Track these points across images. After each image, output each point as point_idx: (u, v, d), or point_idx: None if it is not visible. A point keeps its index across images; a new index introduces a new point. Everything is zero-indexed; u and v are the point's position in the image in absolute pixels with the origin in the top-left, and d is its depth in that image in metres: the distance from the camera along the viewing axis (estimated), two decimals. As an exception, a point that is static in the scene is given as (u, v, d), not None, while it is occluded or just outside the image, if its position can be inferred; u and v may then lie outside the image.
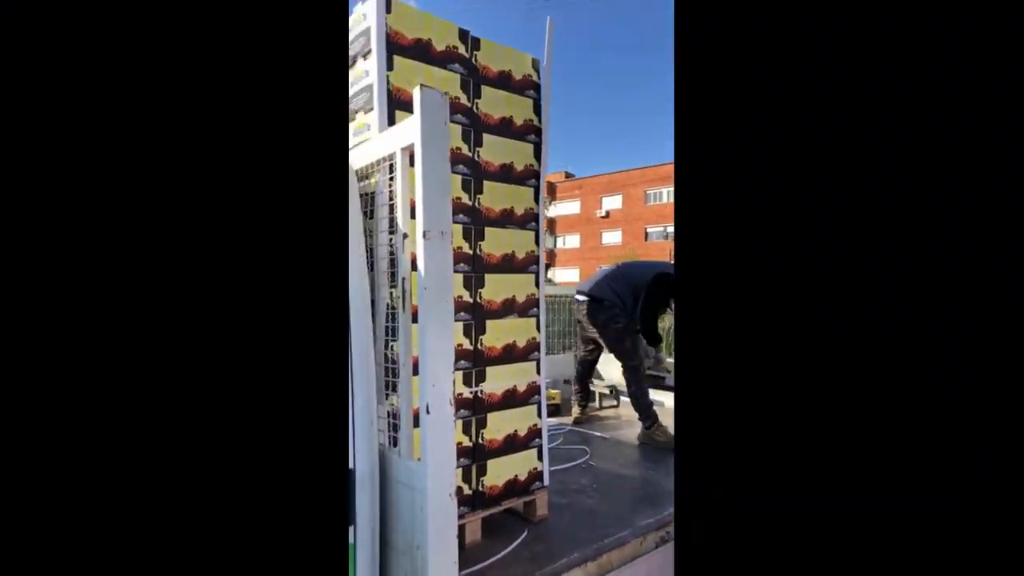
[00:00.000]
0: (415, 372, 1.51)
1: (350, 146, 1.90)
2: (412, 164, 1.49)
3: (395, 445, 1.58)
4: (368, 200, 1.68)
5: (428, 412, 1.38)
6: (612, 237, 33.48)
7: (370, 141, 1.72)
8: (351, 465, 1.43)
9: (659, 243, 29.23)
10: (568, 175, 37.26)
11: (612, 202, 33.82)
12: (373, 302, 1.60)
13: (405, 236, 1.51)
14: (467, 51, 2.01)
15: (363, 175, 1.69)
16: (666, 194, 30.09)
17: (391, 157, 1.57)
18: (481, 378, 2.03)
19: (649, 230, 31.78)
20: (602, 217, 34.15)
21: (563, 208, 35.91)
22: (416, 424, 1.49)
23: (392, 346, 1.65)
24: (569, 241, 35.86)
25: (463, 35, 2.00)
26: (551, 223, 34.82)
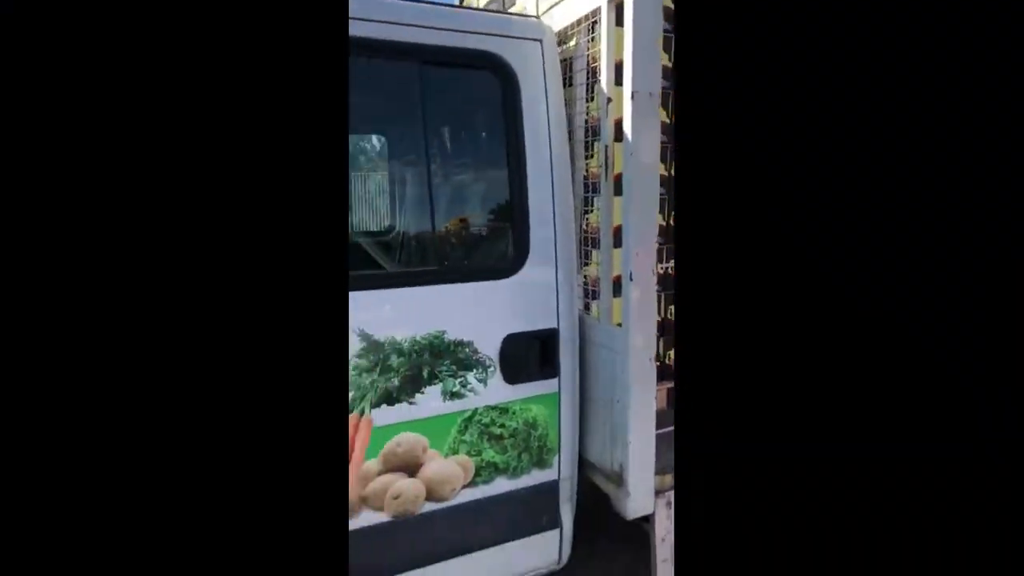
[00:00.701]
0: (615, 244, 1.53)
1: (546, 8, 1.82)
2: (619, 23, 1.39)
3: (588, 310, 1.65)
4: (567, 66, 1.62)
5: (631, 280, 1.40)
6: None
7: (569, -1, 1.63)
8: (555, 325, 1.53)
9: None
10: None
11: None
12: (572, 172, 1.61)
13: (609, 101, 1.45)
14: None
15: (562, 38, 1.62)
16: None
17: (595, 14, 1.47)
18: (671, 255, 1.99)
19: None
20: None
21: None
22: (615, 293, 1.54)
23: (587, 217, 1.67)
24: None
25: None
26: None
